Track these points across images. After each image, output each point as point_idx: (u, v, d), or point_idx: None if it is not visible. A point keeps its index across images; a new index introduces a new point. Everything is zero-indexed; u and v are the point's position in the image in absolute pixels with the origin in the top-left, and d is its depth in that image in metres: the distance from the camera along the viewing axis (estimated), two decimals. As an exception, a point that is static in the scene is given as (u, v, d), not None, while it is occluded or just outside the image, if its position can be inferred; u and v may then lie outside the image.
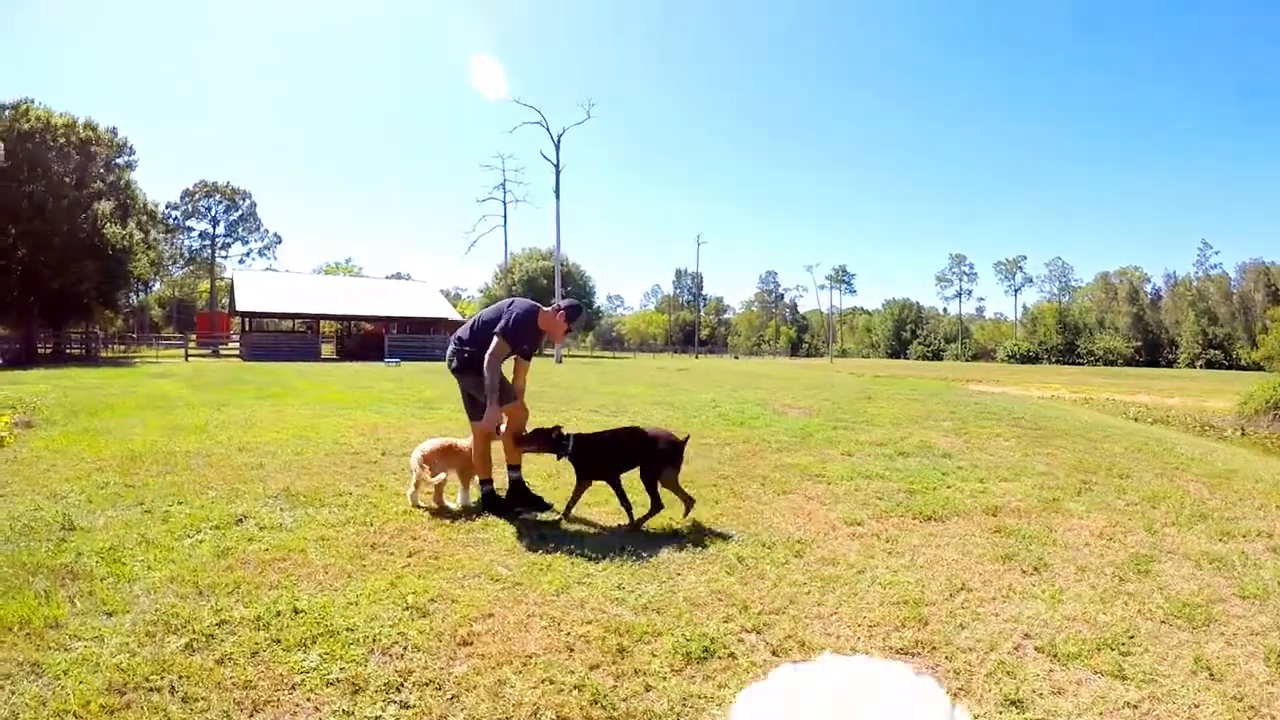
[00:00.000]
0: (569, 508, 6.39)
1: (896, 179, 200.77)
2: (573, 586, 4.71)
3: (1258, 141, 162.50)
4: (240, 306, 49.07)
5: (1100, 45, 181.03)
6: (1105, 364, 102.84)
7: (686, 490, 6.43)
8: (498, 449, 6.82)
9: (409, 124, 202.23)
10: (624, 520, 6.20)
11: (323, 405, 14.09)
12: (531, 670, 3.62)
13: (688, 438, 6.49)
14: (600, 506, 6.65)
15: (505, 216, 67.27)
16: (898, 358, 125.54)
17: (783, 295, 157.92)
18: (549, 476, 7.76)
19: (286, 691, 3.33)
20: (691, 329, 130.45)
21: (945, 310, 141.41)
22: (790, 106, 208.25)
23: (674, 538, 5.85)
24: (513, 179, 75.20)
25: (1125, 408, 23.81)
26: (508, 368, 6.81)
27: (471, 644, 3.86)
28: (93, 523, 5.69)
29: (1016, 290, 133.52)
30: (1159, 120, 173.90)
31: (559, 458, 6.48)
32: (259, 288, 53.02)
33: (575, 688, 3.46)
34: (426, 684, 3.46)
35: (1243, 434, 18.77)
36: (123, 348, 63.52)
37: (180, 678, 3.38)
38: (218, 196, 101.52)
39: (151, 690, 3.29)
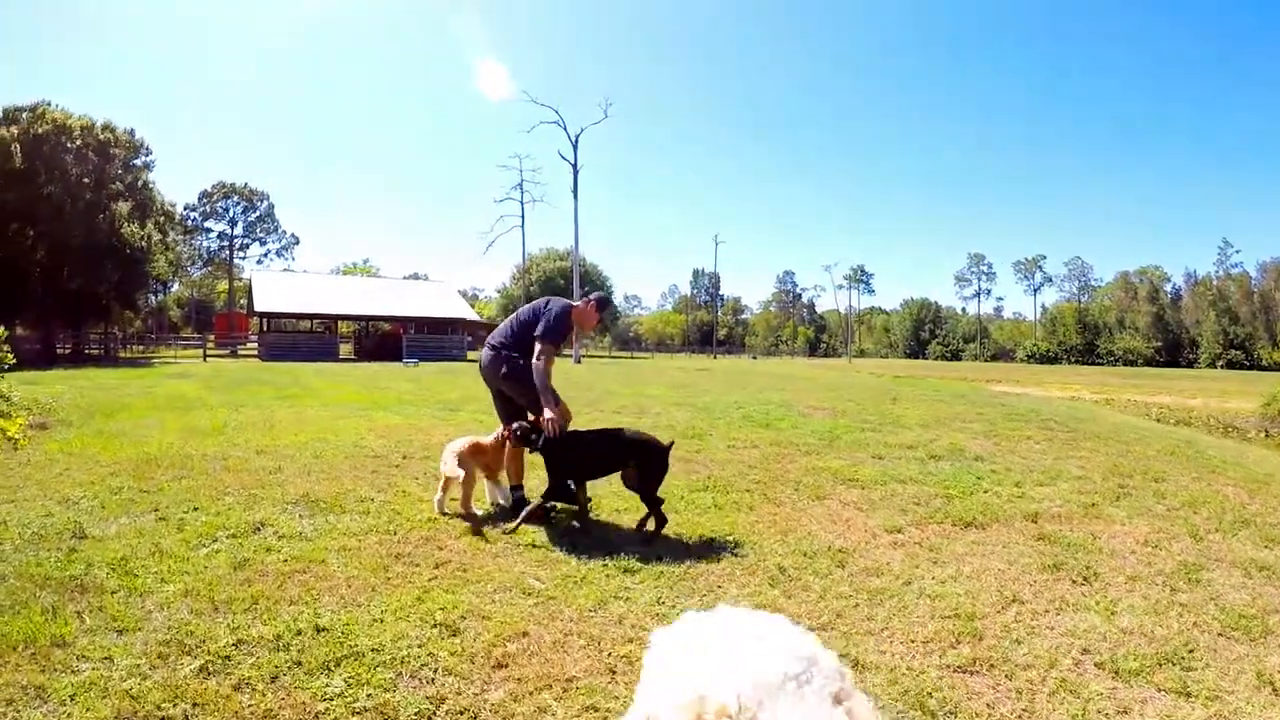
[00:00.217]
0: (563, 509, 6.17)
1: (915, 178, 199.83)
2: (610, 601, 4.48)
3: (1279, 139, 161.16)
4: (258, 307, 49.04)
5: (1119, 44, 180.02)
6: (1125, 364, 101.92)
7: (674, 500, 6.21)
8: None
9: (426, 124, 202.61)
10: (651, 526, 5.99)
11: (342, 406, 13.92)
12: (573, 696, 3.38)
13: (671, 444, 6.28)
14: (631, 514, 6.43)
15: (523, 217, 67.20)
16: (916, 358, 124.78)
17: (800, 295, 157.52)
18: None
19: (310, 721, 3.10)
20: (708, 329, 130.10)
21: (964, 310, 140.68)
22: (808, 105, 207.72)
23: (711, 547, 5.63)
24: (530, 179, 75.14)
25: (1147, 409, 23.46)
26: None
27: (506, 666, 3.62)
28: (105, 531, 5.49)
29: (1036, 290, 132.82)
30: (1179, 118, 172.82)
31: (530, 451, 6.30)
32: (277, 288, 53.00)
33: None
34: (461, 712, 3.22)
35: (1266, 435, 18.41)
36: (141, 348, 63.67)
37: (195, 705, 3.15)
38: (236, 198, 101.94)
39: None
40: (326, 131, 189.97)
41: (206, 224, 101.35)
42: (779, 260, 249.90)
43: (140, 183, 45.45)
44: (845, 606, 4.52)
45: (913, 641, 4.07)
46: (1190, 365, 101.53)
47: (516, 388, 6.49)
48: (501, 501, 6.61)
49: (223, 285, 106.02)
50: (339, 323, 56.99)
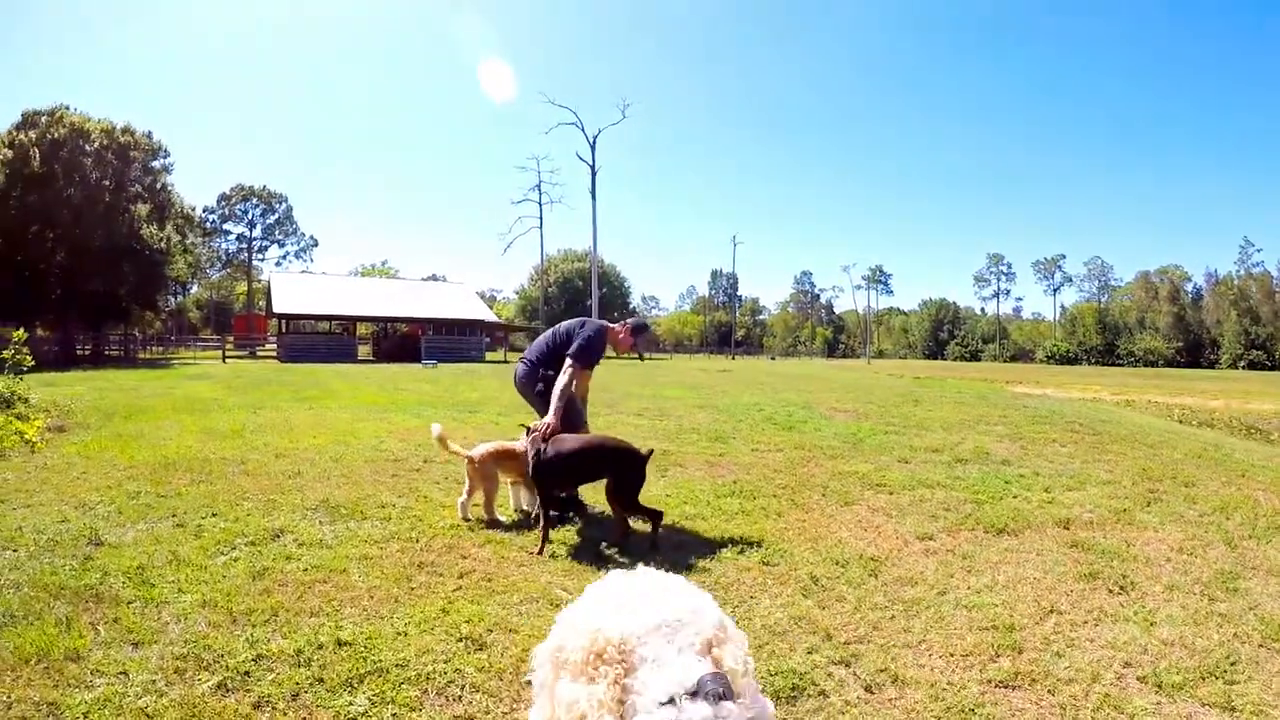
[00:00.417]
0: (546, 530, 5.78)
1: (934, 178, 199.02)
2: (640, 613, 4.31)
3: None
4: (277, 308, 49.16)
5: (1140, 44, 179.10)
6: (1146, 365, 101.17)
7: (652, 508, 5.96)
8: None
9: (445, 126, 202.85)
10: (692, 534, 5.93)
11: (361, 408, 13.86)
12: (605, 715, 3.22)
13: (650, 453, 6.07)
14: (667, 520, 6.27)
15: (541, 218, 67.39)
16: (935, 358, 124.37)
17: (818, 296, 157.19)
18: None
19: (333, 743, 2.97)
20: (726, 330, 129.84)
21: (983, 310, 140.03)
22: (825, 105, 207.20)
23: (741, 555, 5.51)
24: (548, 180, 75.23)
25: (1169, 410, 23.17)
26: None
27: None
28: (121, 538, 5.38)
29: (1055, 290, 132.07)
30: (1200, 116, 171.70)
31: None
32: (295, 290, 53.12)
33: (658, 735, 3.07)
34: (491, 732, 3.08)
35: (1289, 437, 18.16)
36: (160, 349, 64.01)
37: (212, 726, 3.02)
38: (254, 200, 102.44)
39: (180, 740, 2.94)
40: (344, 133, 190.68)
41: (225, 226, 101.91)
42: (797, 260, 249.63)
43: (159, 185, 45.72)
44: (881, 618, 4.41)
45: (952, 655, 3.97)
46: (1211, 366, 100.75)
47: (546, 404, 6.47)
48: (525, 508, 6.52)
49: (241, 287, 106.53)
50: (357, 324, 57.09)
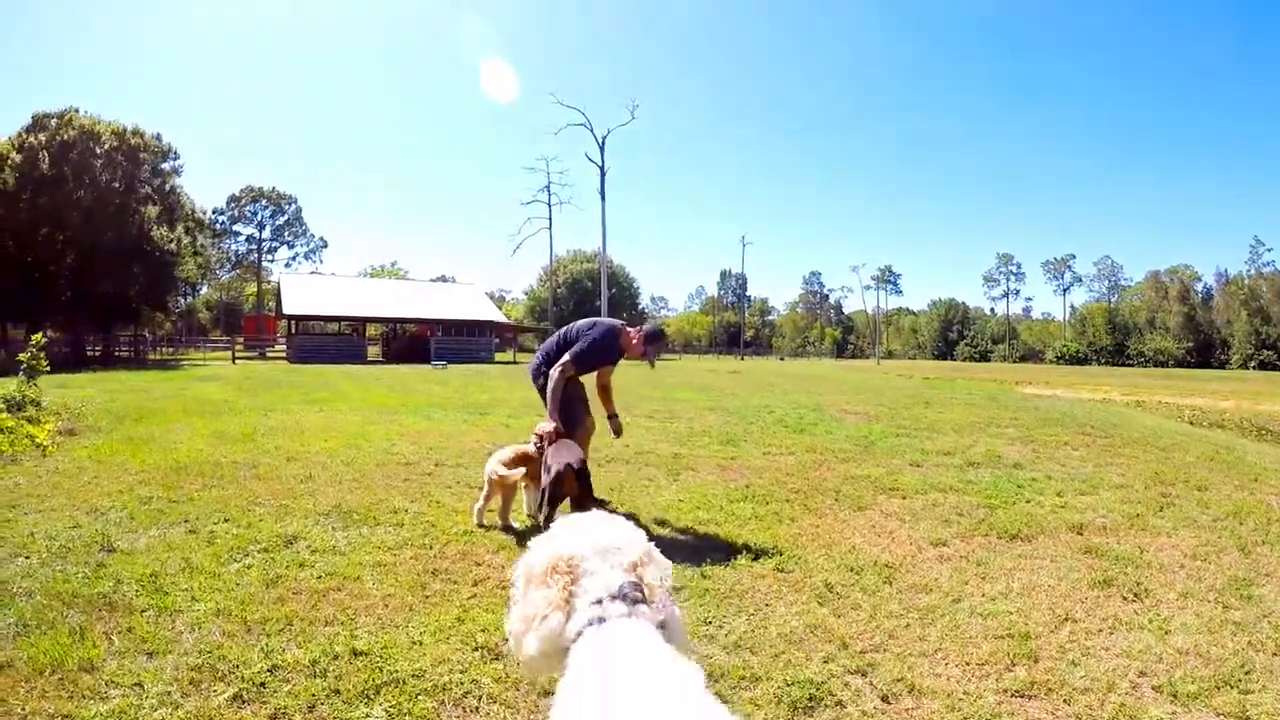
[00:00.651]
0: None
1: (942, 178, 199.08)
2: (657, 620, 4.29)
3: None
4: (287, 310, 49.26)
5: (1149, 44, 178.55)
6: (1156, 365, 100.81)
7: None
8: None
9: (454, 126, 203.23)
10: (706, 539, 5.95)
11: (372, 410, 13.86)
12: (624, 724, 3.19)
13: (579, 467, 5.97)
14: (673, 522, 6.35)
15: (550, 219, 67.43)
16: (944, 359, 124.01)
17: (827, 296, 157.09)
18: (613, 491, 7.44)
19: (350, 757, 2.94)
20: (735, 330, 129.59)
21: (992, 311, 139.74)
22: (834, 105, 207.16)
23: (755, 561, 5.47)
24: (557, 181, 75.19)
25: (1179, 411, 23.08)
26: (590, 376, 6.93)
27: (553, 693, 3.43)
28: (133, 544, 5.35)
29: (1065, 290, 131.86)
30: (1210, 116, 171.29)
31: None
32: (305, 291, 53.23)
33: (676, 747, 3.04)
34: (509, 745, 3.05)
35: (1300, 438, 18.07)
36: (170, 350, 64.16)
37: (229, 738, 2.99)
38: (264, 201, 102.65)
39: (196, 754, 2.91)
40: (354, 135, 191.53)
41: (235, 228, 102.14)
42: (805, 261, 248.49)
43: (168, 187, 45.84)
44: (897, 626, 4.37)
45: (968, 664, 3.93)
46: (1222, 366, 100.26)
47: (543, 399, 6.59)
48: (536, 512, 6.46)
49: (251, 288, 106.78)
50: (366, 325, 57.17)
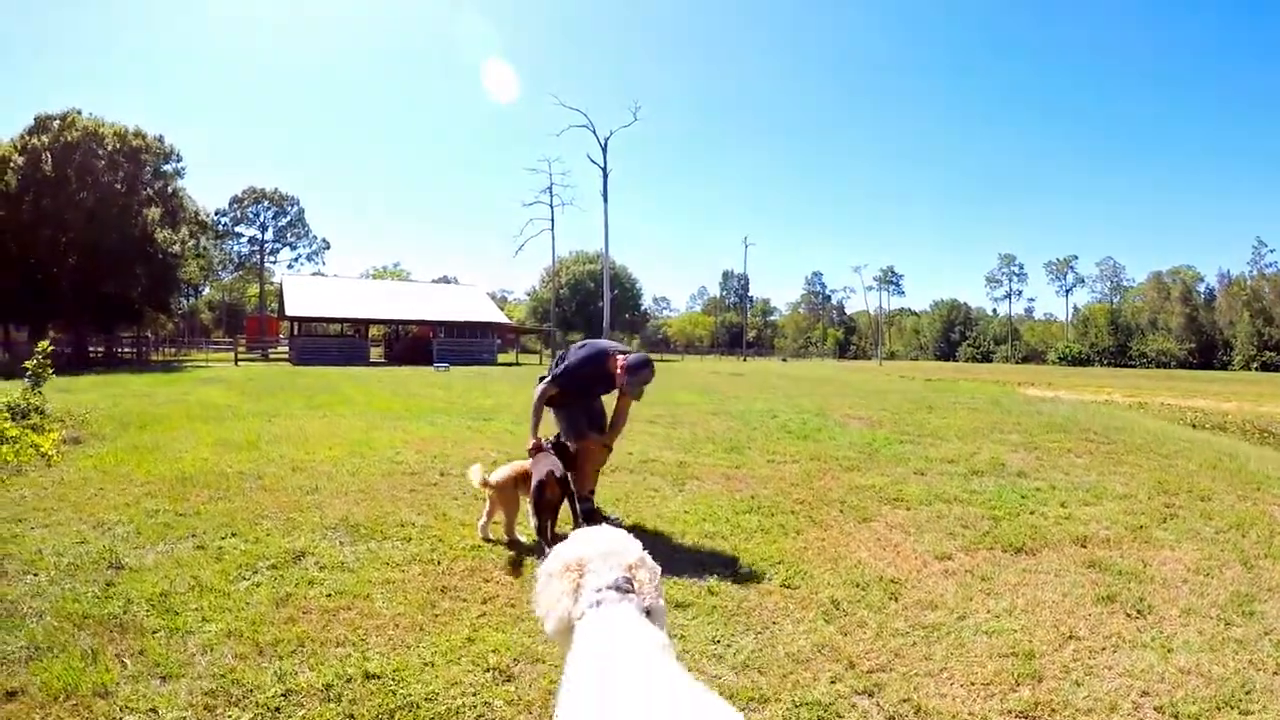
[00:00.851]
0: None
1: (945, 179, 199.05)
2: (666, 640, 4.30)
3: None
4: (289, 311, 49.32)
5: (1151, 44, 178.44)
6: (1158, 366, 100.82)
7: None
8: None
9: (456, 128, 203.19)
10: (712, 553, 5.95)
11: (375, 415, 13.85)
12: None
13: (541, 482, 6.04)
14: (677, 536, 6.35)
15: (552, 220, 67.33)
16: (947, 359, 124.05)
17: (829, 296, 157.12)
18: (618, 501, 7.45)
19: (366, 784, 2.95)
20: (737, 330, 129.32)
21: (994, 311, 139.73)
22: (838, 106, 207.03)
23: (762, 577, 5.48)
24: (559, 182, 75.17)
25: (1182, 413, 23.11)
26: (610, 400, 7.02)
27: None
28: (141, 560, 5.34)
29: (1068, 291, 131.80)
30: (1212, 117, 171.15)
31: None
32: (308, 293, 53.29)
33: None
34: (521, 770, 3.06)
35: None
36: (173, 350, 64.20)
37: (245, 766, 3.00)
38: (266, 203, 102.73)
39: (213, 783, 2.92)
40: (356, 136, 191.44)
41: (237, 229, 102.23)
42: (808, 261, 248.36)
43: (170, 189, 45.86)
44: (903, 645, 4.39)
45: (973, 684, 3.95)
46: (1224, 367, 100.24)
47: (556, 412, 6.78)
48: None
49: (253, 289, 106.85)
50: (369, 326, 57.16)
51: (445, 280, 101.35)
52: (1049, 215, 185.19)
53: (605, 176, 55.83)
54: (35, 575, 5.00)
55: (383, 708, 3.42)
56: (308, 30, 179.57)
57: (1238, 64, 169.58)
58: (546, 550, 5.62)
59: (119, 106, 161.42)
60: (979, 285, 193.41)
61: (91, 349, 45.08)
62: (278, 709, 3.39)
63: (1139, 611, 4.96)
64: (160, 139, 45.64)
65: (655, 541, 6.17)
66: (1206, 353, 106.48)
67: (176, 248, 43.43)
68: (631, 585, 2.19)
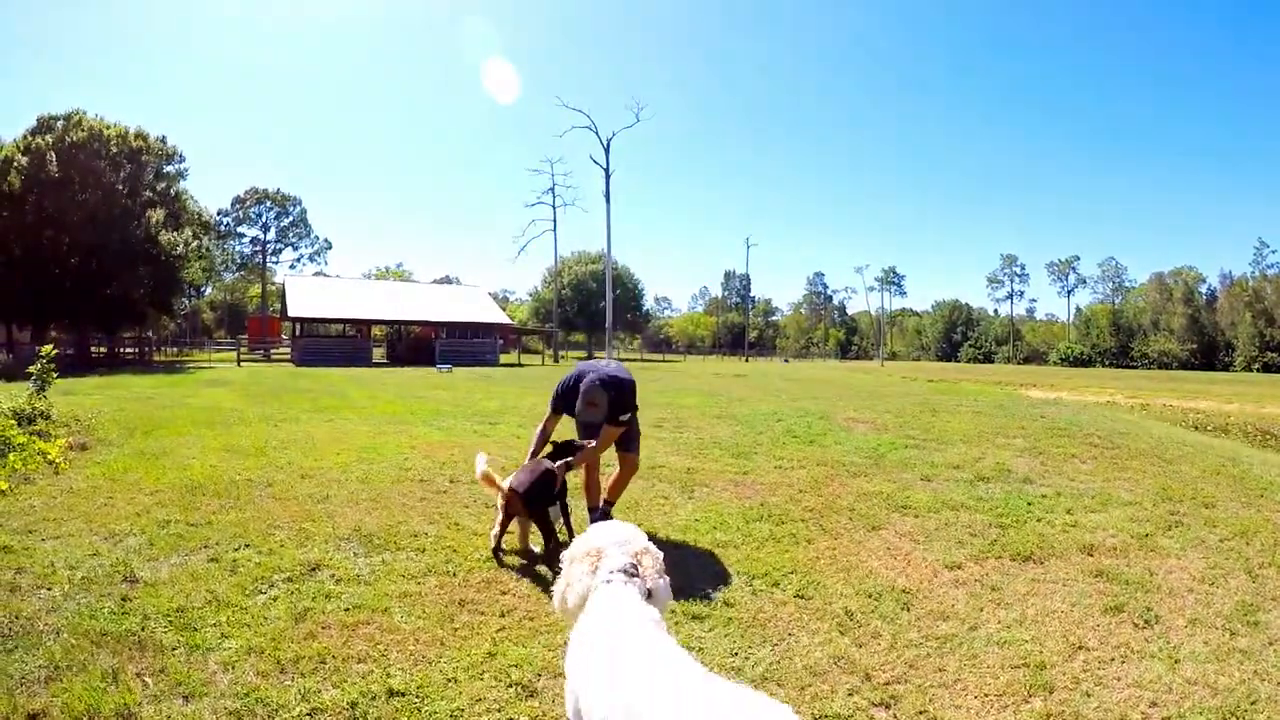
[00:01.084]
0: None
1: (947, 179, 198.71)
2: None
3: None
4: (292, 312, 49.23)
5: (1154, 42, 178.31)
6: (1160, 367, 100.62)
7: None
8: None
9: (458, 128, 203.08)
10: (725, 563, 5.99)
11: (381, 419, 13.80)
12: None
13: (514, 490, 6.12)
14: (693, 546, 6.37)
15: (555, 221, 67.40)
16: (948, 360, 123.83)
17: (831, 297, 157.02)
18: (629, 508, 7.44)
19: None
20: (739, 331, 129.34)
21: (996, 312, 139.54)
22: (840, 106, 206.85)
23: (776, 587, 5.54)
24: (561, 183, 75.20)
25: (1184, 414, 23.12)
26: None
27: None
28: (156, 573, 5.31)
29: (1069, 292, 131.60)
30: (1215, 117, 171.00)
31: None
32: (310, 293, 53.18)
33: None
34: (551, 789, 3.06)
35: (1304, 443, 18.04)
36: (175, 351, 64.21)
37: (274, 789, 2.99)
38: (268, 203, 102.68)
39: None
40: (358, 136, 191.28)
41: (239, 229, 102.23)
42: (809, 262, 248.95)
43: (173, 190, 45.86)
44: (917, 656, 4.47)
45: (986, 695, 4.03)
46: (1226, 368, 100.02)
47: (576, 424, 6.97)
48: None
49: (255, 289, 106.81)
50: (371, 327, 57.11)
51: (447, 280, 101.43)
52: (1050, 215, 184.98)
53: (608, 177, 55.98)
54: (49, 589, 4.98)
55: (408, 727, 3.41)
56: (309, 30, 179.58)
57: (1238, 64, 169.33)
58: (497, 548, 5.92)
59: (120, 106, 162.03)
60: (980, 286, 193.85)
61: (94, 349, 45.06)
62: (304, 730, 3.38)
63: (1146, 621, 5.03)
64: (163, 140, 45.64)
65: (668, 551, 6.09)
66: (1208, 354, 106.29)
67: (180, 249, 43.34)
68: (637, 570, 2.80)
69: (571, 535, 6.15)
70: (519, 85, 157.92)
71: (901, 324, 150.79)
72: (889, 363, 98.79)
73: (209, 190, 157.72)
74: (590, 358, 56.10)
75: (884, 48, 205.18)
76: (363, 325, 55.43)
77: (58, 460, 8.62)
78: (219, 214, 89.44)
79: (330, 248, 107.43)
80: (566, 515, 6.53)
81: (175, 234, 43.14)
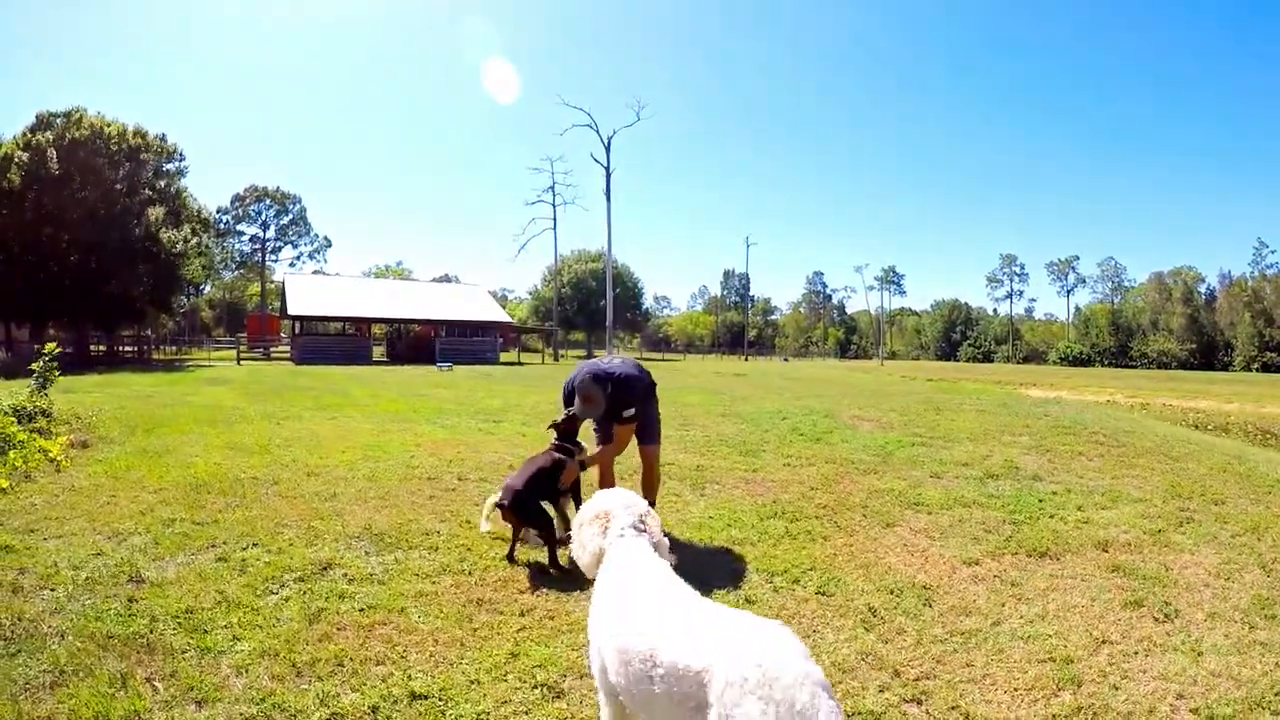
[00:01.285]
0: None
1: (947, 179, 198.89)
2: (710, 650, 4.23)
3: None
4: (292, 310, 49.13)
5: (1153, 42, 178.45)
6: (1159, 367, 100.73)
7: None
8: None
9: (458, 127, 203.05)
10: (743, 561, 5.94)
11: (384, 417, 13.72)
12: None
13: (503, 500, 5.92)
14: (709, 543, 6.29)
15: (555, 219, 67.35)
16: (947, 360, 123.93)
17: (830, 296, 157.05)
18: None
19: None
20: (738, 330, 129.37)
21: (995, 311, 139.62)
22: (840, 105, 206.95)
23: (796, 584, 5.50)
24: (561, 182, 75.09)
25: (1184, 414, 23.17)
26: None
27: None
28: (162, 574, 5.19)
29: (1069, 291, 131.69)
30: (1214, 117, 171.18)
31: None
32: (310, 292, 53.08)
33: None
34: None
35: (1304, 442, 18.00)
36: (174, 349, 64.10)
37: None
38: (268, 201, 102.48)
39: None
40: (358, 134, 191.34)
41: (239, 227, 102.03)
42: (809, 261, 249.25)
43: (173, 188, 45.74)
44: (943, 652, 4.46)
45: (1015, 690, 4.04)
46: (1225, 368, 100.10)
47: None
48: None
49: (255, 288, 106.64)
50: (371, 325, 57.01)
51: (447, 279, 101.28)
52: (1050, 215, 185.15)
53: (608, 175, 55.94)
54: (53, 590, 4.86)
55: (436, 731, 3.30)
56: (309, 30, 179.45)
57: (1238, 64, 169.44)
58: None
59: (120, 106, 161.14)
60: (980, 285, 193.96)
61: (93, 347, 44.96)
62: (326, 734, 3.26)
63: (1166, 615, 5.04)
64: (162, 138, 45.52)
65: (685, 549, 6.16)
66: (1207, 353, 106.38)
67: (179, 247, 43.22)
68: (644, 526, 3.13)
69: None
70: (519, 85, 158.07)
71: (901, 323, 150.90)
72: (888, 362, 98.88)
73: (209, 189, 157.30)
74: (590, 356, 56.05)
75: (884, 48, 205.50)
76: (362, 324, 55.33)
77: (59, 458, 8.53)
78: (218, 212, 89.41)
79: (330, 246, 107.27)
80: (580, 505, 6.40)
81: (175, 232, 43.02)
